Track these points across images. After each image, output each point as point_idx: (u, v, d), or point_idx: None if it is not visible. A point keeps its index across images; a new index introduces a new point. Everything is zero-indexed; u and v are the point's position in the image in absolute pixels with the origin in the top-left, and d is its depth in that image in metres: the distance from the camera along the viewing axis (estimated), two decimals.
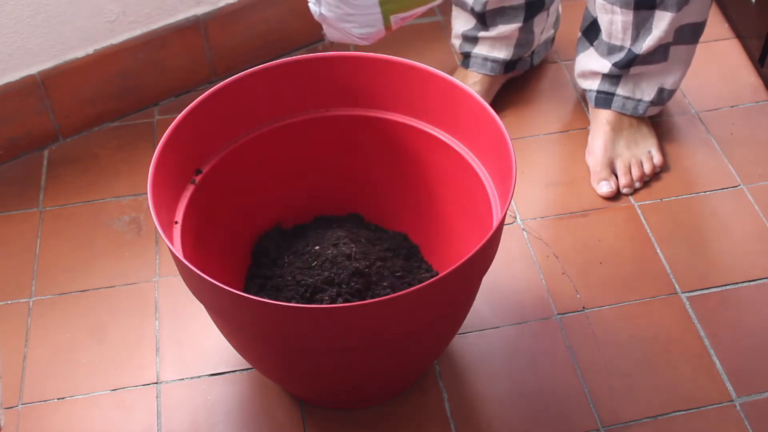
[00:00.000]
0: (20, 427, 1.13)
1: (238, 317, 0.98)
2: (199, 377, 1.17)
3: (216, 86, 1.10)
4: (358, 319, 0.93)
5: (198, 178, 1.10)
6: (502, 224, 0.99)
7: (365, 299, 1.09)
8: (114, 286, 1.27)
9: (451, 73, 1.49)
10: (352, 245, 1.13)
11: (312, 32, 1.58)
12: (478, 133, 1.09)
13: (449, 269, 0.92)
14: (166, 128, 1.06)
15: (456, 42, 1.48)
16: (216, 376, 1.17)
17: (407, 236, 1.25)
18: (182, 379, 1.17)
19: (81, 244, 1.32)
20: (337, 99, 1.17)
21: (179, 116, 1.07)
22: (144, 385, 1.16)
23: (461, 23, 1.45)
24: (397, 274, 1.14)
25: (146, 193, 1.36)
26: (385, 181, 1.23)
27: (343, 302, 1.07)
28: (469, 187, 1.12)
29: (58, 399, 1.15)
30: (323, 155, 1.21)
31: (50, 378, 1.17)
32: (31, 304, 1.25)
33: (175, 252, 0.96)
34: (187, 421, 1.13)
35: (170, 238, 1.01)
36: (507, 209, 0.99)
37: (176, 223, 1.05)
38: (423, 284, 0.92)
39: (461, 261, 0.93)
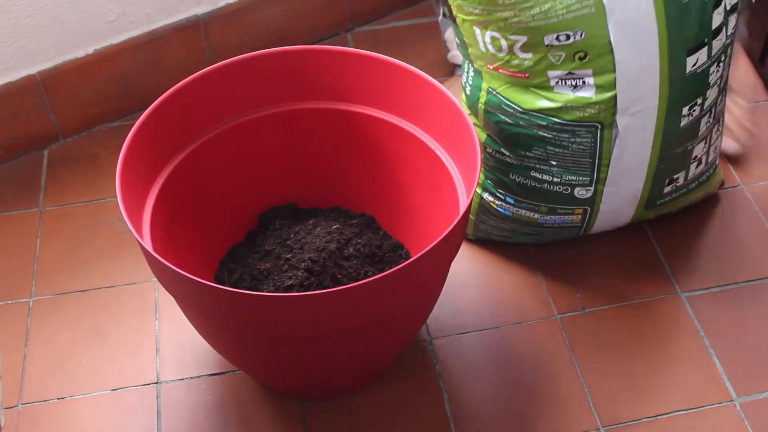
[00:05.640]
0: (20, 427, 1.13)
1: (204, 306, 0.99)
2: (199, 377, 1.17)
3: (186, 80, 1.11)
4: (323, 307, 0.94)
5: (165, 174, 1.11)
6: (468, 210, 1.01)
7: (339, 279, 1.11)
8: (114, 286, 1.27)
9: (450, 76, 1.50)
10: (332, 225, 1.16)
11: (312, 32, 1.58)
12: (445, 124, 1.11)
13: (417, 255, 0.94)
14: None
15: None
16: (216, 376, 1.17)
17: (376, 220, 1.26)
18: (182, 379, 1.17)
19: (81, 244, 1.32)
20: (307, 92, 1.18)
21: (151, 106, 1.08)
22: (144, 385, 1.16)
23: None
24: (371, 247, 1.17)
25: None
26: (355, 173, 1.24)
27: (315, 288, 1.09)
28: (437, 177, 1.13)
29: (58, 399, 1.15)
30: (293, 148, 1.22)
31: (50, 378, 1.17)
32: (31, 304, 1.25)
33: (144, 244, 0.97)
34: (187, 421, 1.13)
35: (139, 232, 1.01)
36: (472, 196, 1.00)
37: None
38: (391, 270, 0.93)
39: (429, 246, 0.94)
